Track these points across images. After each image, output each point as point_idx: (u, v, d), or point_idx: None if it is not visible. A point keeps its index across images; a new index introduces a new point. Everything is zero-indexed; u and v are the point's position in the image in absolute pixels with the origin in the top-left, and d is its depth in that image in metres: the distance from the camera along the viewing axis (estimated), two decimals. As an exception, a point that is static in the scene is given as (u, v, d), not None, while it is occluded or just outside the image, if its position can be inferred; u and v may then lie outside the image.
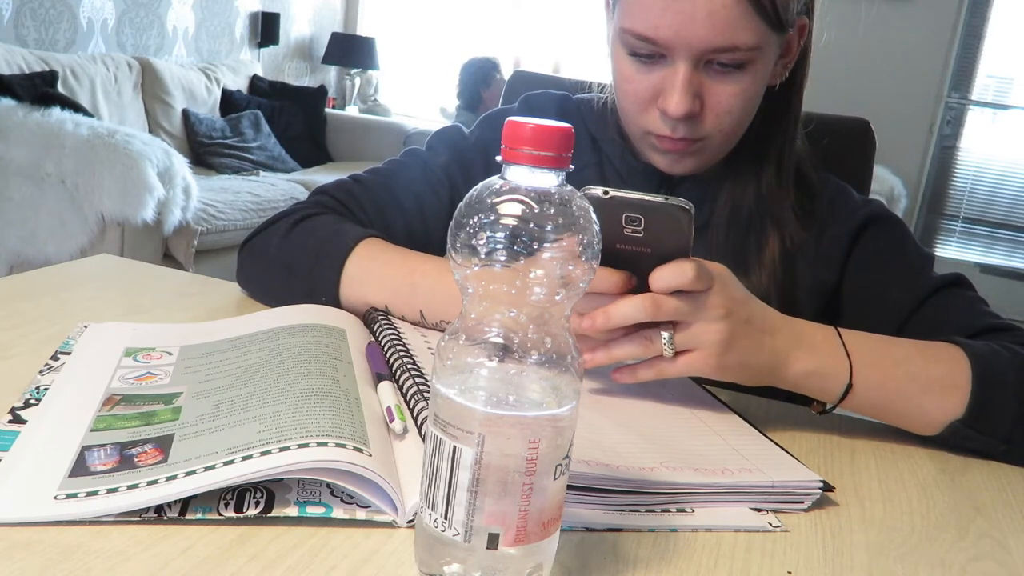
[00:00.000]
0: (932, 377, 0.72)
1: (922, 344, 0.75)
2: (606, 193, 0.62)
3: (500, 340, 0.43)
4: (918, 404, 0.72)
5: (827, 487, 0.60)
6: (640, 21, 0.79)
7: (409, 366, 0.65)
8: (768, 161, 0.91)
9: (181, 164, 2.95)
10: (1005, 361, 0.73)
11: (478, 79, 4.29)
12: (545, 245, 0.41)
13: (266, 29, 4.94)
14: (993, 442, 0.72)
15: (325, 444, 0.50)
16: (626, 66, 0.83)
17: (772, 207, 0.91)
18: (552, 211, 0.42)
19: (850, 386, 0.70)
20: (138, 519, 0.47)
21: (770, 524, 0.57)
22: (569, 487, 0.49)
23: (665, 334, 0.65)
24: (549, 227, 0.41)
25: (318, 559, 0.46)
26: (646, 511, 0.56)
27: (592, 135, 0.96)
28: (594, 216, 0.43)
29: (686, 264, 0.64)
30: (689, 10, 0.76)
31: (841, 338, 0.72)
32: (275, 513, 0.49)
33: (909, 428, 0.74)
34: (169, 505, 0.48)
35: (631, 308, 0.64)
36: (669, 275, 0.64)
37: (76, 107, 3.02)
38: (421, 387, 0.61)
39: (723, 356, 0.66)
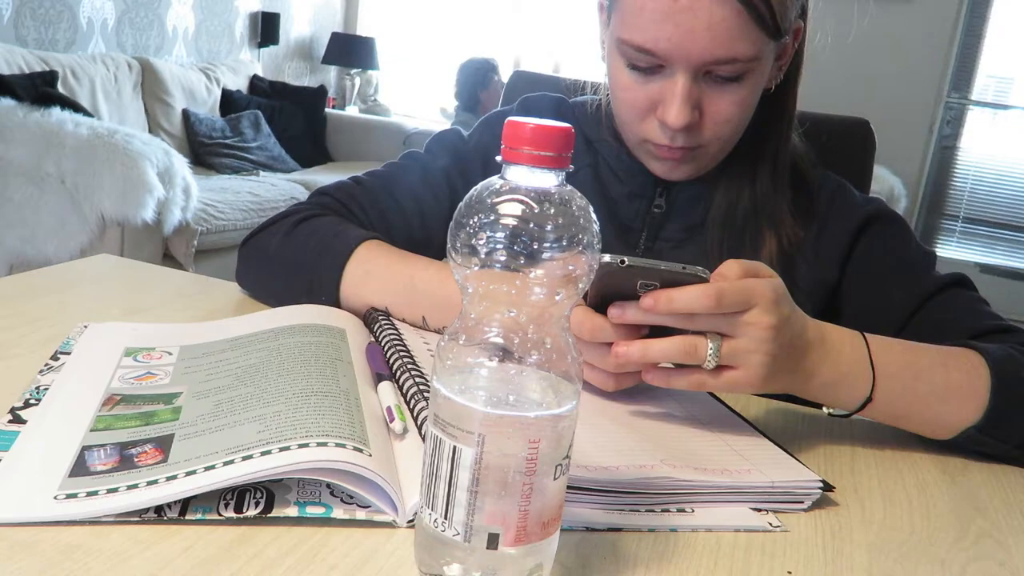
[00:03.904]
0: (952, 386, 0.71)
1: (945, 352, 0.73)
2: (623, 262, 0.60)
3: (500, 340, 0.43)
4: (936, 413, 0.71)
5: (827, 487, 0.60)
6: (639, 33, 0.78)
7: (409, 366, 0.65)
8: (763, 161, 0.91)
9: (181, 164, 2.95)
10: (1022, 366, 0.72)
11: (476, 80, 4.28)
12: (545, 245, 0.41)
13: (266, 29, 4.94)
14: (1007, 448, 0.72)
15: (325, 444, 0.50)
16: (624, 76, 0.83)
17: (768, 207, 0.91)
18: (552, 211, 0.42)
19: (870, 398, 0.69)
20: (138, 519, 0.47)
21: (770, 524, 0.57)
22: (569, 487, 0.49)
23: (712, 344, 0.63)
24: (549, 227, 0.41)
25: (318, 559, 0.46)
26: (646, 511, 0.56)
27: (587, 137, 0.96)
28: (594, 216, 0.43)
29: (708, 289, 0.61)
30: (689, 22, 0.76)
31: (868, 348, 0.70)
32: (275, 513, 0.49)
33: (923, 434, 0.73)
34: (169, 505, 0.48)
35: (669, 348, 0.63)
36: (684, 298, 0.61)
37: (76, 107, 3.02)
38: (421, 387, 0.61)
39: (766, 378, 0.64)
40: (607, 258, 0.60)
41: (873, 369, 0.69)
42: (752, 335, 0.63)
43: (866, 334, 0.71)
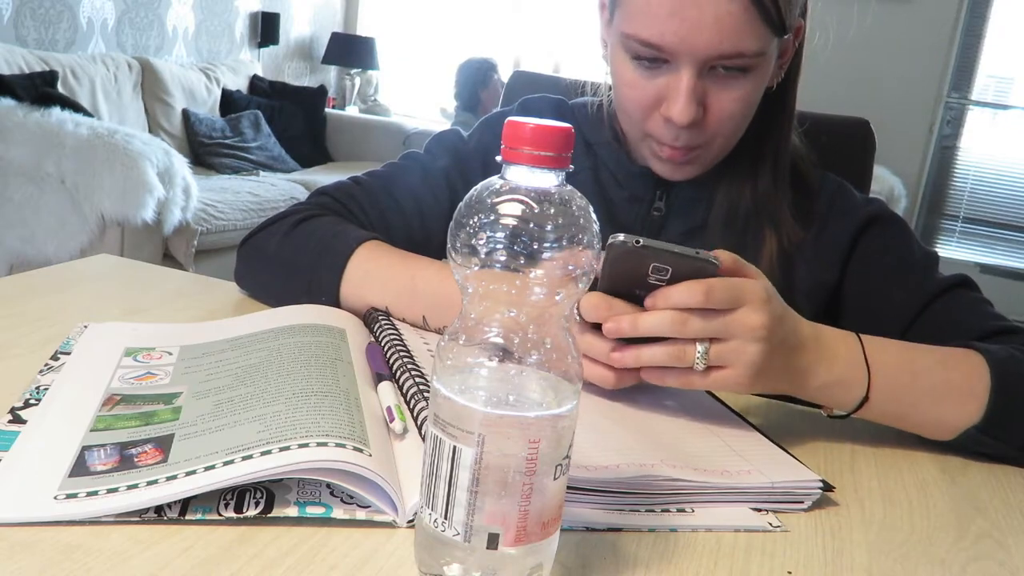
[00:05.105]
0: (951, 386, 0.71)
1: (945, 353, 0.73)
2: (638, 242, 0.61)
3: (500, 340, 0.43)
4: (935, 414, 0.71)
5: (827, 487, 0.60)
6: (645, 27, 0.78)
7: (409, 366, 0.65)
8: (764, 161, 0.91)
9: (181, 164, 2.95)
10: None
11: (476, 80, 4.29)
12: (545, 245, 0.41)
13: (266, 29, 4.94)
14: (1007, 448, 0.72)
15: (325, 444, 0.50)
16: (628, 71, 0.83)
17: (769, 207, 0.91)
18: (552, 211, 0.42)
19: (866, 398, 0.69)
20: (138, 519, 0.47)
21: (770, 524, 0.57)
22: (569, 487, 0.49)
23: (700, 347, 0.64)
24: (549, 227, 0.41)
25: (318, 559, 0.46)
26: (646, 511, 0.56)
27: (586, 139, 0.96)
28: (594, 216, 0.43)
29: (696, 285, 0.62)
30: (696, 16, 0.76)
31: (863, 349, 0.70)
32: (275, 513, 0.49)
33: (923, 434, 0.73)
34: (169, 505, 0.48)
35: (658, 321, 0.64)
36: (677, 295, 0.63)
37: (76, 107, 3.02)
38: (421, 387, 0.61)
39: (755, 377, 0.65)
40: (622, 237, 0.61)
41: (868, 369, 0.69)
42: (742, 335, 0.64)
43: (862, 335, 0.71)
